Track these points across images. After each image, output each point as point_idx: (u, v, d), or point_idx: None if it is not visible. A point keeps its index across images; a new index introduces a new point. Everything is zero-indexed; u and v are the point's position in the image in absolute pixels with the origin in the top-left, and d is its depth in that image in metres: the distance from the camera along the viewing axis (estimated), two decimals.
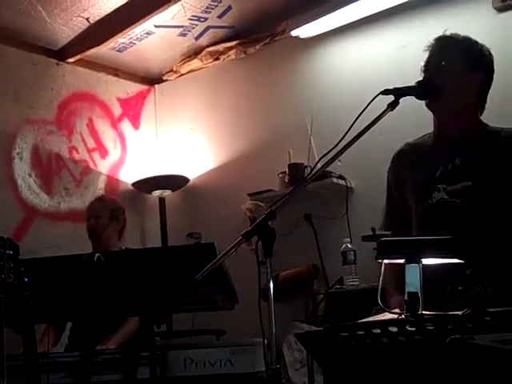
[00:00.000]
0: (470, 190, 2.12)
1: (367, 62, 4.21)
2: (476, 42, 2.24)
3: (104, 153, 4.90)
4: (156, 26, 4.46)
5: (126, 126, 5.08)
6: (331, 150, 1.92)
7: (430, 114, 2.28)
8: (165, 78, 5.19)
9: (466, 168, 2.16)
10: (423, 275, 1.63)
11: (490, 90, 2.27)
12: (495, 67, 2.27)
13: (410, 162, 2.32)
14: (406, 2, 3.98)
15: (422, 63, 2.24)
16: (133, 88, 5.18)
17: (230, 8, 4.34)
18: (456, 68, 2.18)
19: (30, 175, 4.43)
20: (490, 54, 2.25)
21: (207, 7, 4.30)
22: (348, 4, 4.06)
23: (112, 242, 3.61)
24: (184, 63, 5.00)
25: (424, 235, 2.16)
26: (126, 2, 4.12)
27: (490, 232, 2.09)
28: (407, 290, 1.60)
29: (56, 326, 3.49)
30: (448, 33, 2.27)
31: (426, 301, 1.60)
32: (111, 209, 3.69)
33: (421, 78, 2.18)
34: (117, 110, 5.04)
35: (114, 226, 3.66)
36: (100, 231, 3.61)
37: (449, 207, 2.16)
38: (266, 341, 1.79)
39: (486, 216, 2.10)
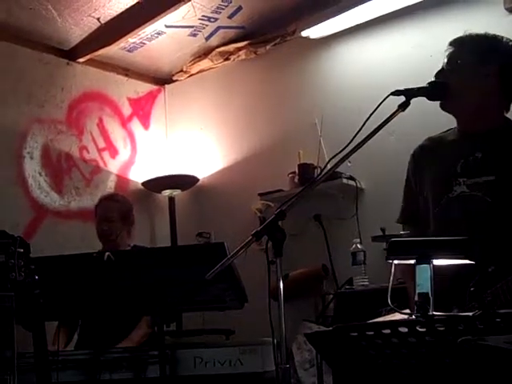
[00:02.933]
0: (493, 185, 2.10)
1: (378, 62, 4.20)
2: (487, 36, 2.20)
3: (114, 152, 4.91)
4: (166, 26, 4.46)
5: (135, 125, 5.09)
6: (341, 150, 1.92)
7: (442, 114, 2.27)
8: (175, 78, 5.20)
9: (487, 161, 2.14)
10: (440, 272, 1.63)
11: None
12: None
13: (431, 156, 2.29)
14: (416, 3, 3.97)
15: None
16: (143, 88, 5.19)
17: (240, 8, 4.34)
18: (465, 66, 2.17)
19: (40, 174, 4.45)
20: (507, 42, 2.19)
21: (217, 7, 4.30)
22: (359, 4, 4.05)
23: (123, 242, 3.61)
24: (194, 63, 5.00)
25: (444, 229, 2.16)
26: (137, 2, 4.13)
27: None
28: (417, 290, 1.59)
29: (68, 326, 3.49)
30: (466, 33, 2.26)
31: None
32: (123, 211, 3.64)
33: (432, 79, 2.17)
34: (127, 110, 5.06)
35: (126, 229, 3.64)
36: (114, 237, 3.56)
37: (469, 201, 2.13)
38: (275, 340, 1.79)
39: (509, 211, 2.08)
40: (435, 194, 2.23)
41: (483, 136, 2.18)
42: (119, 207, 3.64)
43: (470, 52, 2.18)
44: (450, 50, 2.22)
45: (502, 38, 2.21)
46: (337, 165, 1.93)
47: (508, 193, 2.09)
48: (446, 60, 2.21)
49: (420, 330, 1.44)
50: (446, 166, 2.21)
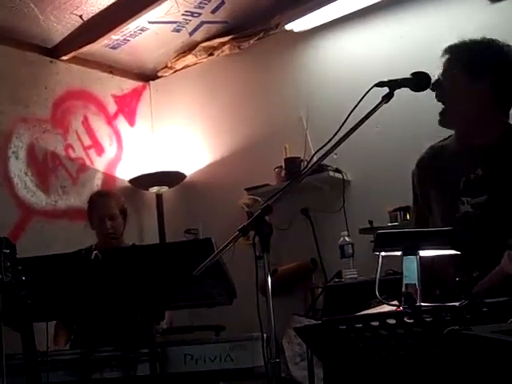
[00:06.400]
0: (485, 204, 2.09)
1: (362, 54, 4.20)
2: (481, 43, 2.18)
3: (100, 150, 4.89)
4: (150, 22, 4.45)
5: (121, 122, 5.07)
6: (327, 143, 1.91)
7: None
8: (159, 74, 5.18)
9: (487, 179, 2.12)
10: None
11: None
12: None
13: (432, 172, 2.27)
14: None
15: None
16: (127, 85, 5.17)
17: (223, 3, 4.33)
18: (458, 80, 2.16)
19: (26, 174, 4.43)
20: (500, 52, 2.17)
21: (200, 2, 4.29)
22: None
23: (124, 238, 3.58)
24: (178, 59, 4.99)
25: None
26: None
27: (502, 244, 2.05)
28: (404, 281, 1.60)
29: (67, 325, 3.46)
30: (460, 40, 2.21)
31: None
32: (121, 206, 3.59)
33: (415, 70, 2.17)
34: (112, 107, 5.03)
35: (125, 223, 3.60)
36: (119, 234, 3.50)
37: (472, 221, 2.12)
38: (264, 335, 1.79)
39: (500, 228, 2.06)
40: (443, 213, 2.21)
41: (484, 149, 2.15)
42: (117, 203, 3.58)
43: (463, 64, 2.16)
44: (446, 58, 2.19)
45: (498, 43, 2.18)
46: (322, 157, 1.93)
47: (503, 210, 2.06)
48: (441, 70, 2.18)
49: (408, 321, 1.44)
50: (449, 184, 2.18)
